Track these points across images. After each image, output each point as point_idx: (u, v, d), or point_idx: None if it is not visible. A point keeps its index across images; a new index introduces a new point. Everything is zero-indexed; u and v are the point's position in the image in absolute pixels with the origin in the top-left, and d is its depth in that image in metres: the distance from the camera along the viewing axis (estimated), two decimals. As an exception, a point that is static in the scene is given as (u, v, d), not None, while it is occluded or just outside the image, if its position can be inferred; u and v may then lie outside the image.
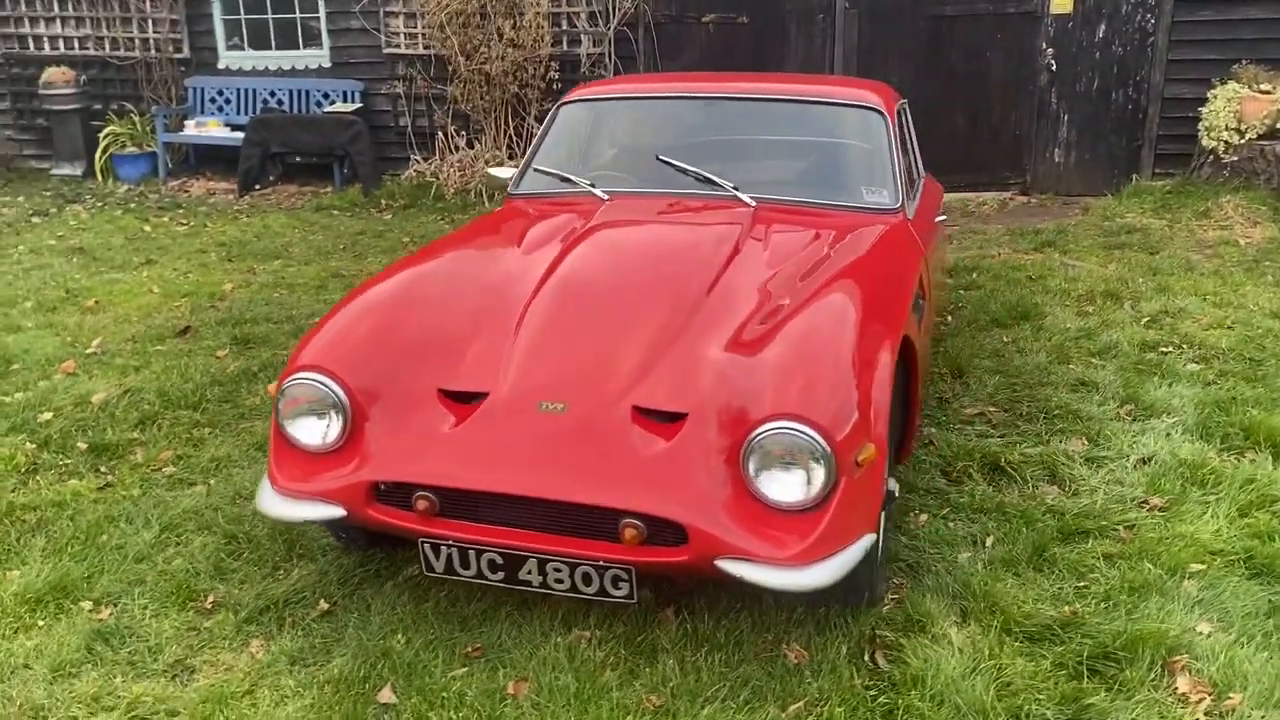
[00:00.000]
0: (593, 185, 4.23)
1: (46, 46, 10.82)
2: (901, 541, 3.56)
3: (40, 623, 3.11)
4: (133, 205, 9.51)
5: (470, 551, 2.84)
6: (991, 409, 4.68)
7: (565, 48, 9.82)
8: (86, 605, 3.20)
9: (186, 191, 10.17)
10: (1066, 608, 3.16)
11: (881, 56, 9.37)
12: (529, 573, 2.83)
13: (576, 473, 2.80)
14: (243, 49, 10.67)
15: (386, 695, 2.76)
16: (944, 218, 4.92)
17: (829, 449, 2.64)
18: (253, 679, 2.86)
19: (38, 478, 4.01)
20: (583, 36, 9.75)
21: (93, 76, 10.73)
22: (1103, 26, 9.01)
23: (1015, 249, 7.56)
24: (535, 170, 4.43)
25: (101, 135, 10.44)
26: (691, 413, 2.88)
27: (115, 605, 3.21)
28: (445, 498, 2.86)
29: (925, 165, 5.23)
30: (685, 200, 4.10)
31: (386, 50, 10.14)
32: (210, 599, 3.24)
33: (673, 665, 2.85)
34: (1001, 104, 9.35)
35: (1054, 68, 9.14)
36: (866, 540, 2.76)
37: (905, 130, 4.96)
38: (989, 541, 3.57)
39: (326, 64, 10.43)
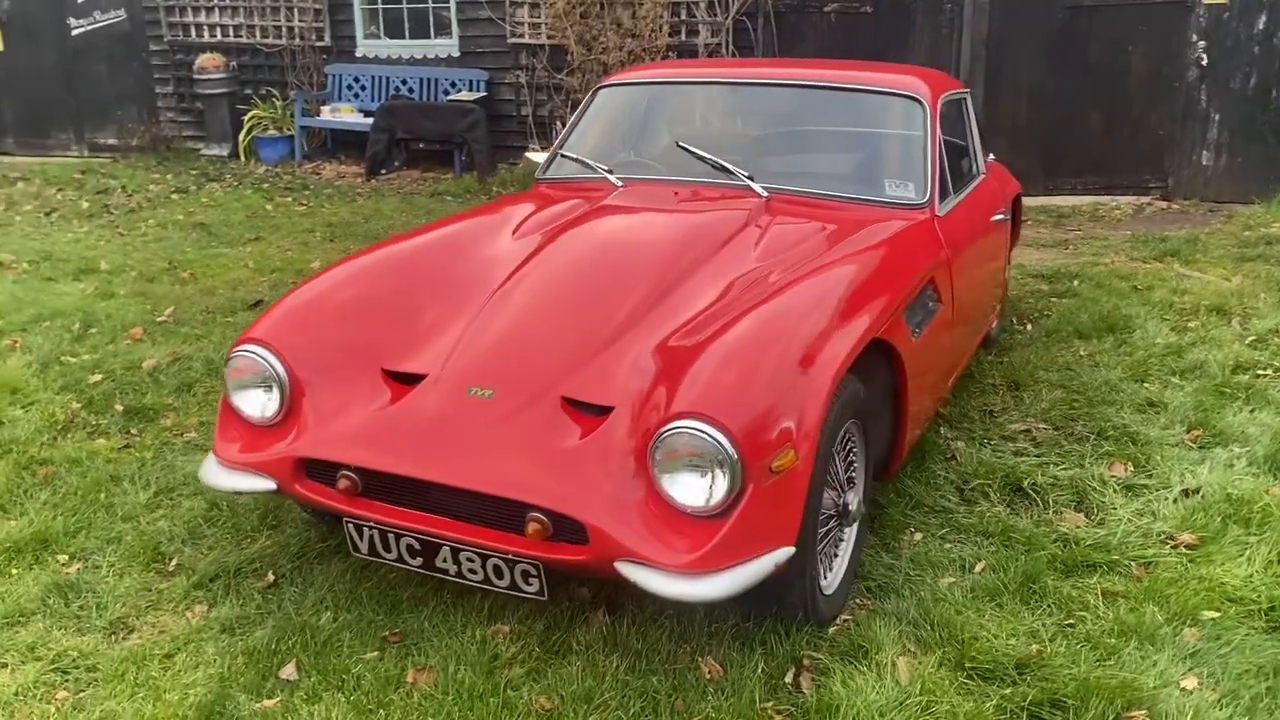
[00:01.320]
0: (610, 171, 4.13)
1: (205, 34, 11.48)
2: (881, 560, 3.32)
3: (14, 572, 3.26)
4: (265, 185, 9.98)
5: (390, 535, 2.80)
6: (1041, 426, 4.32)
7: (683, 38, 9.71)
8: (62, 559, 3.34)
9: (318, 174, 10.60)
10: (1035, 646, 2.86)
11: (1012, 49, 8.86)
12: (444, 560, 2.77)
13: (487, 462, 2.71)
14: (379, 38, 11.04)
15: (289, 671, 2.75)
16: (1001, 216, 4.56)
17: (734, 453, 2.47)
18: (179, 643, 2.91)
19: (69, 435, 4.23)
20: (701, 26, 9.61)
21: (243, 63, 11.33)
22: (1263, 17, 8.24)
23: (1132, 256, 6.99)
24: (561, 155, 4.36)
25: (246, 118, 11.01)
26: (617, 407, 2.76)
27: (86, 561, 3.33)
28: (366, 478, 2.83)
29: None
30: (697, 189, 3.94)
31: (510, 40, 10.28)
32: (174, 562, 3.33)
33: (579, 668, 2.73)
34: (1143, 102, 8.69)
35: (1205, 62, 8.41)
36: (780, 554, 2.56)
37: (966, 121, 4.66)
38: (979, 567, 3.28)
39: (455, 53, 10.67)
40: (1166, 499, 3.66)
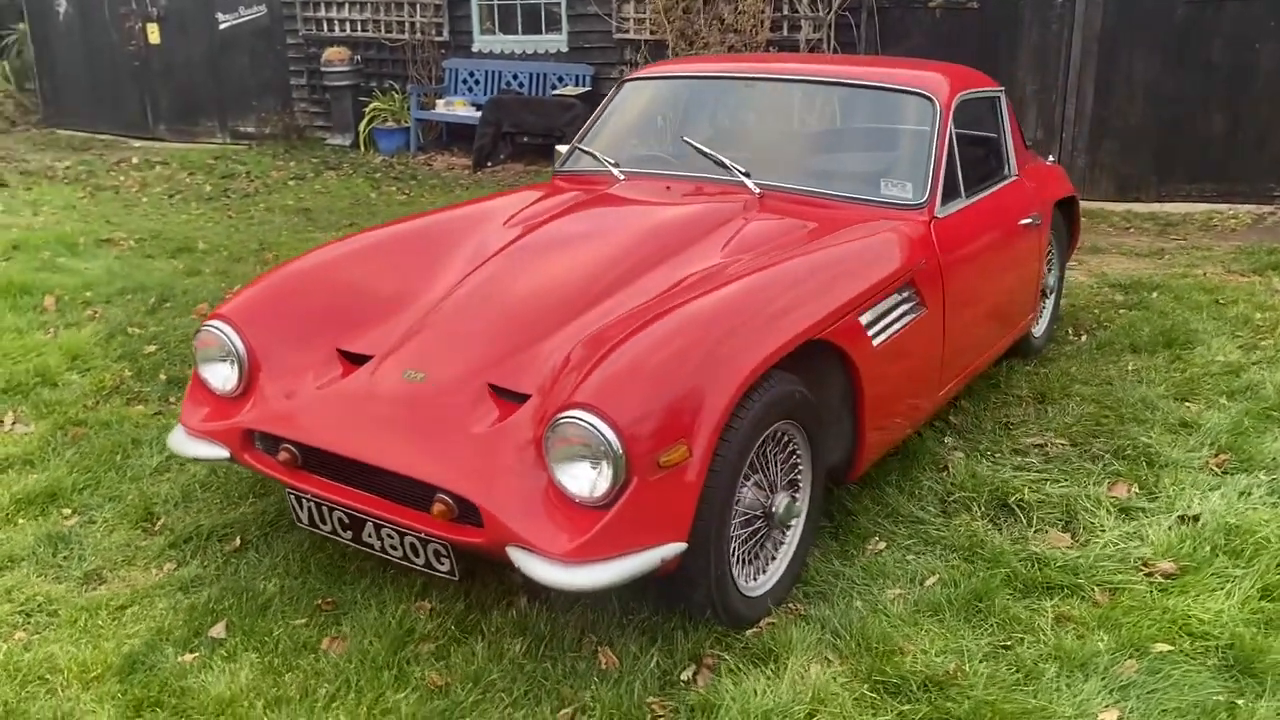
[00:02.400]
0: (616, 165, 4.17)
1: (335, 29, 12.03)
2: (832, 567, 3.25)
3: (20, 521, 3.54)
4: (377, 175, 10.40)
5: (324, 508, 2.93)
6: (1059, 441, 4.13)
7: (785, 33, 9.62)
8: (66, 512, 3.61)
9: (430, 165, 10.97)
10: (954, 665, 2.76)
11: (1126, 45, 8.42)
12: (370, 536, 2.88)
13: (405, 442, 2.80)
14: (494, 33, 11.34)
15: (219, 630, 2.91)
16: (1030, 220, 4.36)
17: (618, 444, 2.47)
18: (136, 597, 3.11)
19: (111, 400, 4.54)
20: (803, 22, 9.49)
21: (368, 57, 11.82)
22: None
23: (1229, 269, 6.55)
24: (576, 148, 4.43)
25: (366, 110, 11.49)
26: (534, 396, 2.80)
27: (84, 516, 3.59)
28: (304, 451, 2.97)
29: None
30: (693, 183, 3.94)
31: (616, 36, 10.39)
32: (160, 523, 3.55)
33: (482, 649, 2.79)
34: (1271, 103, 8.10)
35: (1340, 62, 7.79)
36: (669, 549, 2.55)
37: (999, 120, 4.48)
38: (930, 581, 3.18)
39: (564, 48, 10.86)
40: (1161, 524, 3.45)
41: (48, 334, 5.29)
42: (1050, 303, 5.18)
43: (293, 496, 3.00)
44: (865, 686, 2.69)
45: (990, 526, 3.51)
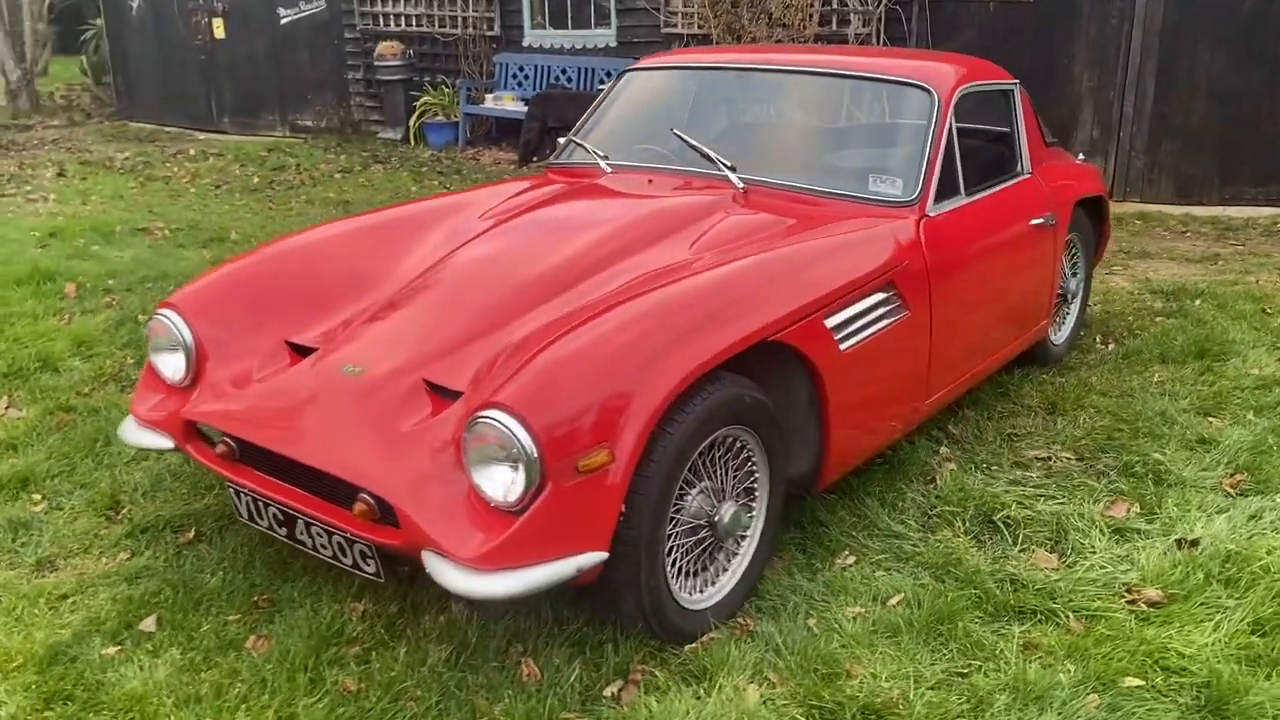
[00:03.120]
0: (605, 157, 4.05)
1: (391, 24, 12.10)
2: (792, 581, 3.08)
3: (-12, 506, 3.56)
4: (423, 169, 10.43)
5: (260, 502, 2.86)
6: (1065, 455, 3.90)
7: (834, 27, 9.38)
8: (36, 498, 3.62)
9: (477, 159, 10.97)
10: (898, 692, 2.58)
11: (1189, 41, 8.02)
12: (302, 534, 2.80)
13: (333, 439, 2.72)
14: (544, 28, 11.29)
15: (149, 623, 2.86)
16: (1042, 220, 4.12)
17: (531, 447, 2.36)
18: (82, 586, 3.08)
19: (107, 387, 4.57)
20: (852, 16, 9.24)
21: (421, 51, 11.87)
22: None
23: (1284, 276, 6.18)
24: (570, 140, 4.32)
25: (417, 104, 11.54)
26: (465, 394, 2.70)
27: (52, 502, 3.59)
28: (241, 445, 2.90)
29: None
30: (677, 177, 3.81)
31: (664, 30, 10.26)
32: (124, 511, 3.53)
33: (403, 654, 2.70)
34: (1344, 102, 7.65)
35: None
36: (586, 559, 2.43)
37: (1013, 115, 4.26)
38: (894, 600, 2.99)
39: (613, 43, 10.76)
40: (1156, 548, 3.22)
41: (62, 320, 5.36)
42: (1074, 308, 4.92)
43: (232, 490, 2.94)
44: (799, 710, 2.53)
45: (972, 544, 3.31)
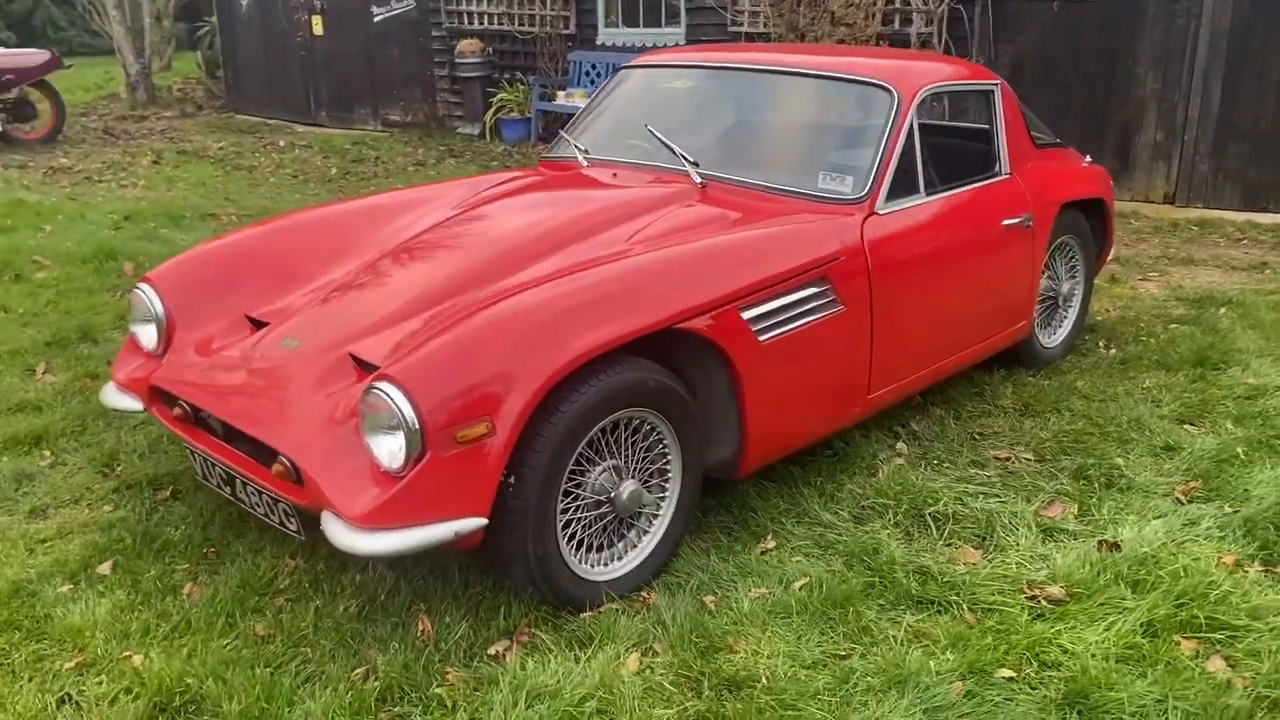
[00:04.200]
0: (586, 151, 4.22)
1: (474, 22, 12.48)
2: (706, 561, 3.19)
3: (3, 459, 3.92)
4: (494, 163, 10.75)
5: (209, 462, 3.12)
6: (1026, 456, 3.91)
7: (896, 27, 9.33)
8: (46, 454, 3.97)
9: (547, 154, 11.24)
10: (767, 669, 2.69)
11: (1259, 42, 7.75)
12: (241, 491, 3.05)
13: (262, 404, 2.96)
14: (617, 26, 11.49)
15: (105, 568, 3.15)
16: (1016, 221, 4.11)
17: (412, 416, 2.54)
18: (62, 533, 3.39)
19: (136, 358, 4.94)
20: (915, 15, 9.18)
21: (500, 49, 12.21)
22: None
23: (1328, 286, 5.96)
24: (560, 134, 4.50)
25: (494, 100, 11.88)
26: (381, 367, 2.90)
27: (58, 458, 3.94)
28: (193, 408, 3.17)
29: None
30: (646, 171, 3.95)
31: (730, 29, 10.35)
32: (120, 469, 3.86)
33: (317, 606, 2.92)
34: None
35: None
36: (465, 524, 2.60)
37: (993, 116, 4.26)
38: (799, 584, 3.08)
39: (682, 41, 10.88)
40: (1077, 549, 3.23)
41: (113, 296, 5.79)
42: (1072, 312, 4.87)
43: (189, 451, 3.22)
44: (670, 680, 2.65)
45: (900, 536, 3.37)
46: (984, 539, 3.36)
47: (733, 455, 3.29)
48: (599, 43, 11.58)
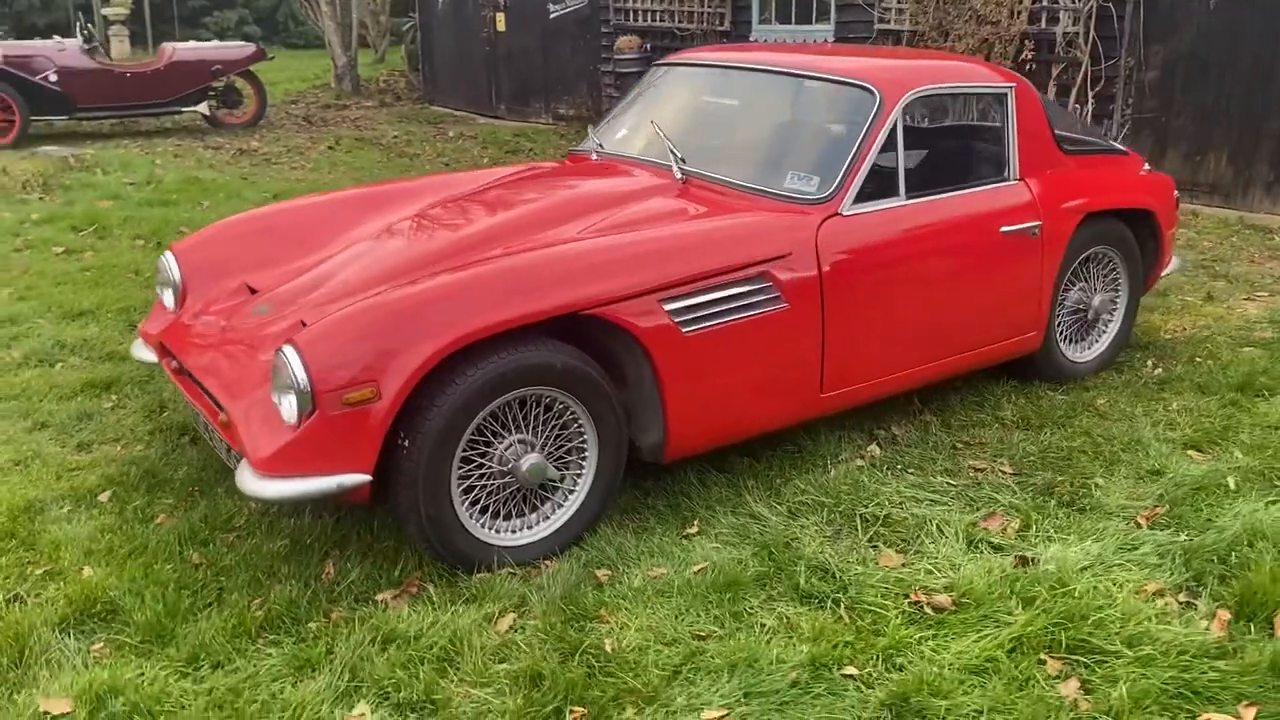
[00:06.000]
0: (601, 145, 4.43)
1: (639, 19, 12.81)
2: (620, 540, 3.32)
3: (77, 399, 4.50)
4: (637, 155, 11.04)
5: (193, 409, 3.55)
6: (1003, 469, 3.84)
7: (1043, 25, 8.96)
8: (113, 397, 4.54)
9: (692, 149, 11.43)
10: (617, 639, 2.83)
11: None
12: (208, 435, 3.45)
13: (220, 361, 3.35)
14: (770, 23, 11.53)
15: (105, 497, 3.61)
16: (1020, 229, 3.99)
17: (304, 378, 2.83)
18: (94, 465, 3.88)
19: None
20: (1061, 14, 8.79)
21: (659, 46, 12.45)
22: None
23: None
24: (589, 131, 4.72)
25: (647, 95, 12.17)
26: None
27: (119, 402, 4.49)
28: (180, 361, 3.60)
29: None
30: (639, 165, 4.12)
31: (877, 26, 10.20)
32: (165, 415, 4.37)
33: (252, 543, 3.27)
34: None
35: None
36: (349, 479, 2.87)
37: (1005, 120, 4.16)
38: (696, 568, 3.18)
39: (830, 38, 10.82)
40: (990, 561, 3.18)
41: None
42: (1111, 327, 4.65)
43: (184, 402, 3.65)
44: (538, 641, 2.82)
45: (826, 534, 3.40)
46: (907, 544, 3.34)
47: (660, 441, 3.42)
48: (752, 39, 11.64)
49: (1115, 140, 8.78)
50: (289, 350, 2.89)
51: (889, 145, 3.74)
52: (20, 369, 4.83)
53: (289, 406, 2.90)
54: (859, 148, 3.69)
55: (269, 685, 2.63)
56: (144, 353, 3.89)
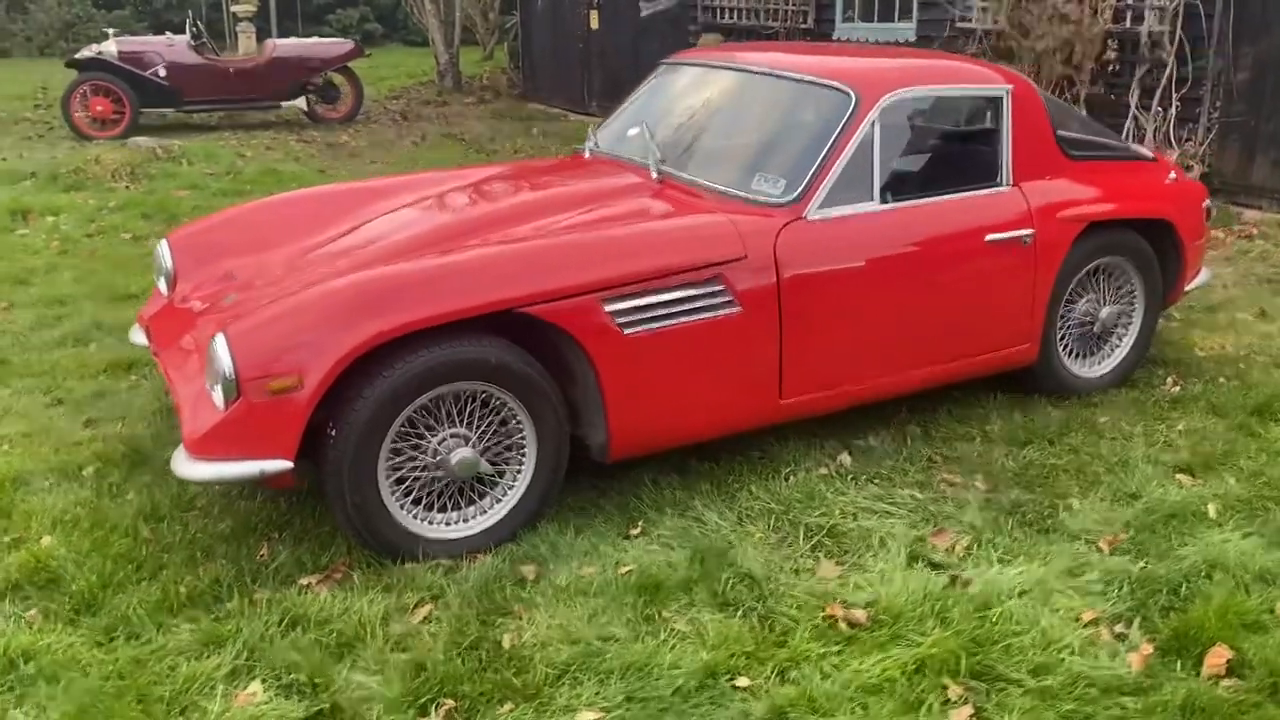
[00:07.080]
0: (596, 145, 4.45)
1: (726, 17, 12.74)
2: (561, 536, 3.33)
3: (100, 378, 4.74)
4: (712, 154, 11.00)
5: (168, 390, 3.71)
6: (977, 484, 3.73)
7: (1127, 24, 8.56)
8: (133, 377, 4.76)
9: (769, 148, 11.32)
10: (512, 640, 2.84)
11: None
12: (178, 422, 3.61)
13: (184, 347, 3.50)
14: (854, 21, 11.32)
15: (89, 471, 3.79)
16: (1007, 237, 3.84)
17: (230, 366, 2.94)
18: (90, 440, 4.08)
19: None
20: (1147, 12, 8.38)
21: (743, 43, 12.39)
22: None
23: None
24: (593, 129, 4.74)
25: (728, 93, 12.10)
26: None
27: (136, 382, 4.72)
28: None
29: None
30: (620, 164, 4.14)
31: (958, 24, 9.91)
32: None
33: (205, 525, 3.39)
34: None
35: None
36: (271, 464, 2.96)
37: (1000, 124, 4.01)
38: (624, 570, 3.17)
39: (912, 36, 10.57)
40: (924, 578, 3.08)
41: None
42: (1125, 341, 4.43)
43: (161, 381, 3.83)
44: (446, 630, 2.86)
45: (770, 542, 3.35)
46: (848, 556, 3.26)
47: (604, 440, 3.42)
48: (835, 37, 11.46)
49: (1201, 145, 8.40)
50: (219, 339, 3.00)
51: (863, 148, 3.65)
52: (56, 348, 5.11)
53: (219, 393, 3.01)
54: (829, 151, 3.61)
55: (172, 659, 2.74)
56: (138, 336, 4.08)
